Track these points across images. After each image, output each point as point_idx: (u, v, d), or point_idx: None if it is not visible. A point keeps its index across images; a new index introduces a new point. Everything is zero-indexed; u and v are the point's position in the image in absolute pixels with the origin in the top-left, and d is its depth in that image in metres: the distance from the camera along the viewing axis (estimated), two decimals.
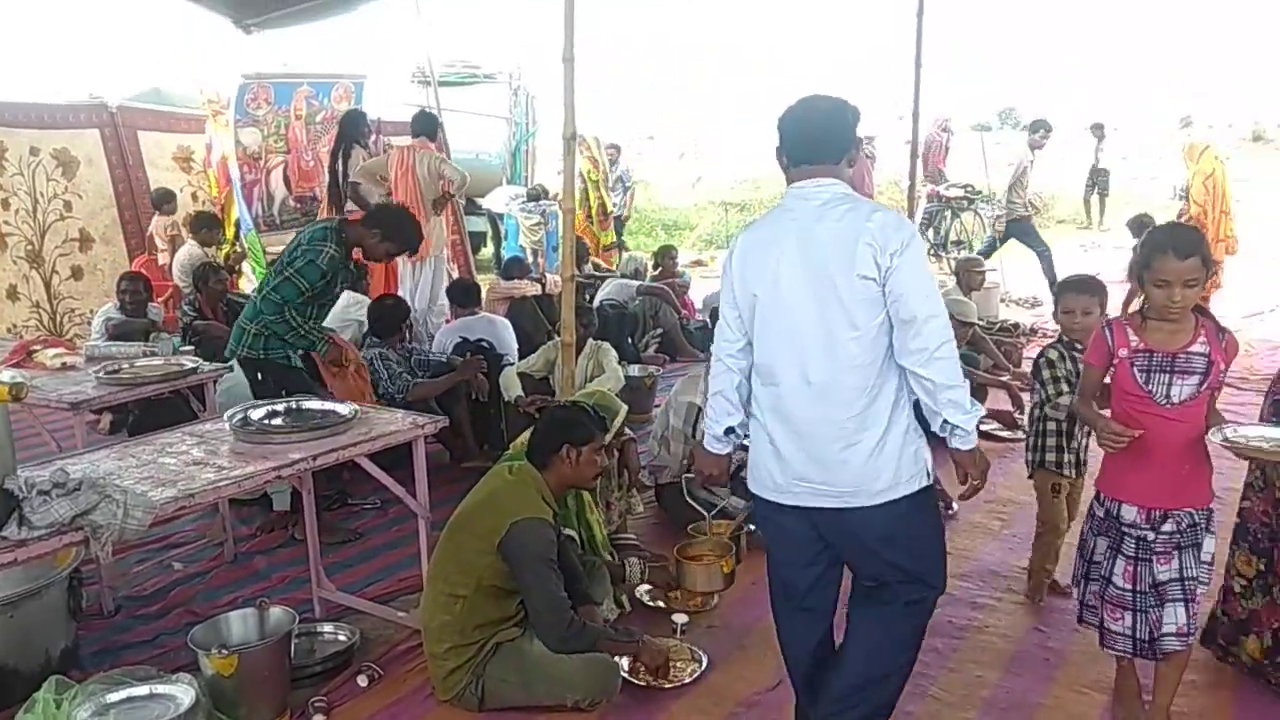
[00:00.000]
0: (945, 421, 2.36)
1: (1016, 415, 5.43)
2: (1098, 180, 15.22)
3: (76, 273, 7.84)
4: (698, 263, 12.50)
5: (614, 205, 11.76)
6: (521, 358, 5.92)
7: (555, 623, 2.92)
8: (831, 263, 2.32)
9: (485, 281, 8.83)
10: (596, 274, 9.30)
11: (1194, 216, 8.21)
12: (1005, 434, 5.55)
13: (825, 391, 2.35)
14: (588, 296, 8.03)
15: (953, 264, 11.15)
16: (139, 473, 2.85)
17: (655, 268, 8.88)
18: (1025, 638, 3.39)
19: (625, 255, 10.41)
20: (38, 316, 7.57)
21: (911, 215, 7.26)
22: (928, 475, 2.46)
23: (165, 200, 8.01)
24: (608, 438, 3.43)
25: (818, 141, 2.42)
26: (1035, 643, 3.35)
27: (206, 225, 7.45)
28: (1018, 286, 9.96)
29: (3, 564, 2.34)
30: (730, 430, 2.62)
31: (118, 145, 8.25)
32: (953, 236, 11.58)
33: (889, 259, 2.26)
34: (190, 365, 4.26)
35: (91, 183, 8.02)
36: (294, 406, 3.37)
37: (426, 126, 7.46)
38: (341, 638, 3.39)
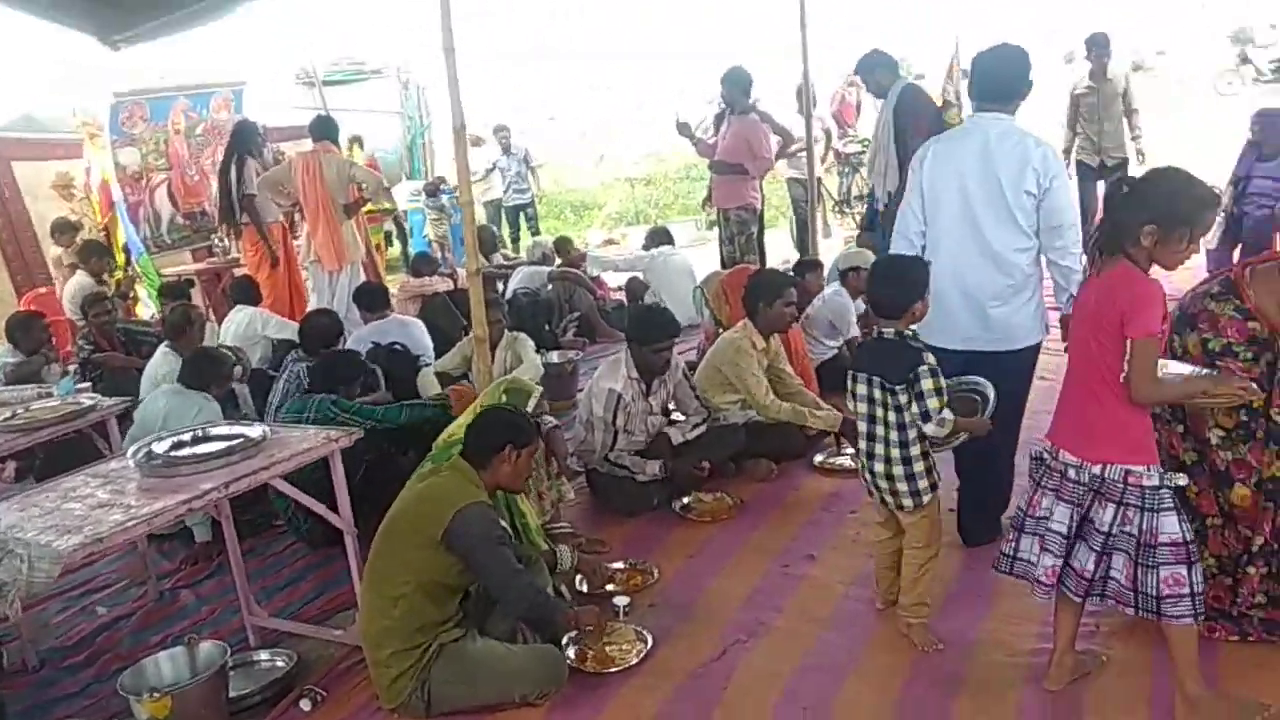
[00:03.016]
0: (1071, 296, 3.15)
1: None
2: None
3: None
4: (609, 241, 12.45)
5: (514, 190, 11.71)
6: (439, 356, 5.85)
7: (522, 590, 2.92)
8: (1004, 178, 3.25)
9: (395, 281, 8.67)
10: (506, 264, 9.20)
11: None
12: None
13: (994, 264, 3.29)
14: (500, 287, 7.95)
15: (856, 220, 11.36)
16: (42, 522, 2.73)
17: (559, 257, 8.82)
18: (958, 578, 3.46)
19: (531, 241, 10.34)
20: None
21: (812, 174, 7.28)
22: (1046, 330, 3.45)
23: (60, 230, 7.70)
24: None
25: (999, 84, 3.35)
26: (966, 584, 3.40)
27: (95, 254, 7.16)
28: None
29: None
30: None
31: None
32: (855, 192, 11.72)
33: (1049, 182, 3.23)
34: (89, 403, 4.09)
35: None
36: (201, 434, 3.26)
37: (328, 130, 7.25)
38: (279, 664, 3.31)
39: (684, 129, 7.26)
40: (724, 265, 6.83)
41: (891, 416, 2.92)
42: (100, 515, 2.74)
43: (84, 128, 8.03)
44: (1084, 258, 3.12)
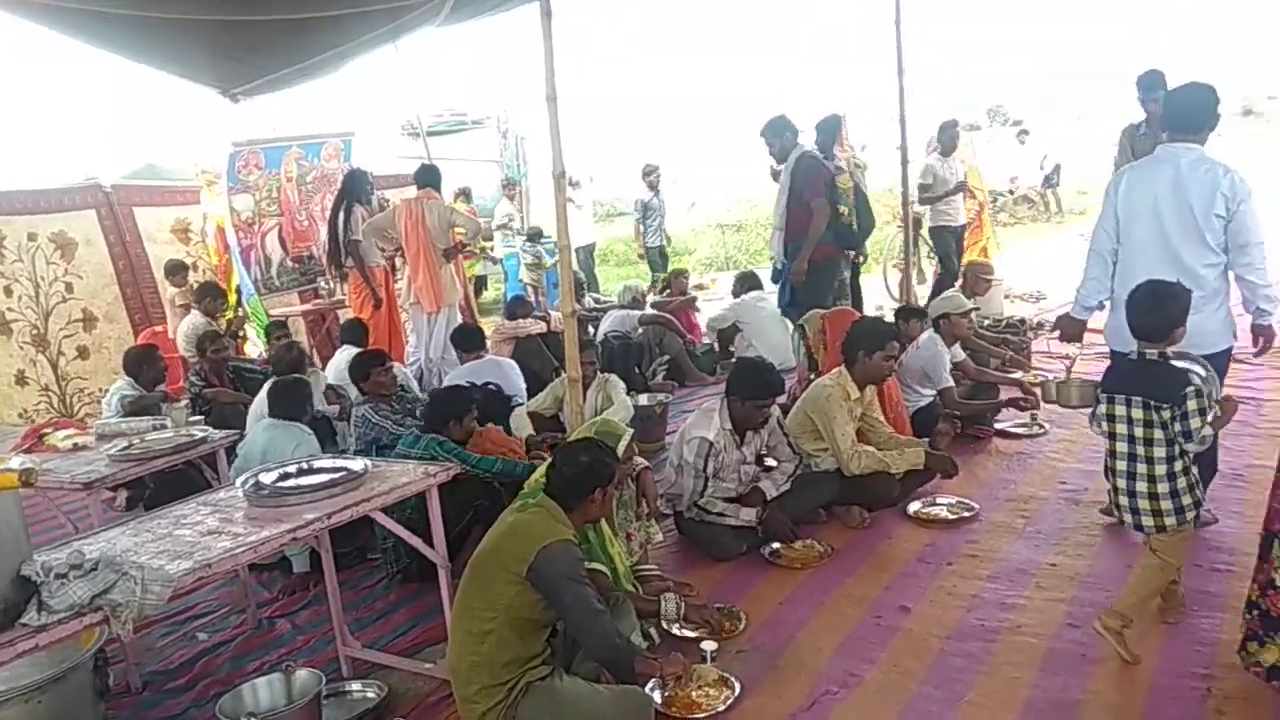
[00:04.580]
0: (1259, 308, 3.69)
1: (1030, 407, 5.43)
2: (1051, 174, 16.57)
3: (83, 352, 7.90)
4: (700, 286, 12.50)
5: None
6: (531, 397, 5.94)
7: (601, 633, 2.91)
8: (1195, 202, 3.64)
9: (490, 324, 8.85)
10: (598, 307, 9.32)
11: None
12: (1024, 430, 5.52)
13: (1186, 277, 3.44)
14: (591, 330, 8.05)
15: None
16: (155, 547, 2.85)
17: (664, 289, 8.91)
18: (1059, 634, 3.34)
19: (622, 285, 10.45)
20: (48, 399, 7.63)
21: (906, 223, 7.23)
22: (1235, 336, 3.79)
23: (173, 272, 8.09)
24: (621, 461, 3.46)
25: (1190, 118, 3.73)
26: (1070, 639, 3.30)
27: (210, 294, 7.52)
28: (1019, 281, 9.93)
29: (24, 651, 2.32)
30: (1100, 304, 4.01)
31: (115, 224, 8.35)
32: None
33: (1236, 205, 3.60)
34: (200, 435, 4.27)
35: (91, 263, 8.11)
36: (306, 466, 3.37)
37: (431, 178, 7.58)
38: (370, 694, 3.36)
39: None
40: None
41: (1158, 435, 3.03)
42: (209, 542, 2.84)
43: (203, 176, 8.48)
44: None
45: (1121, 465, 3.12)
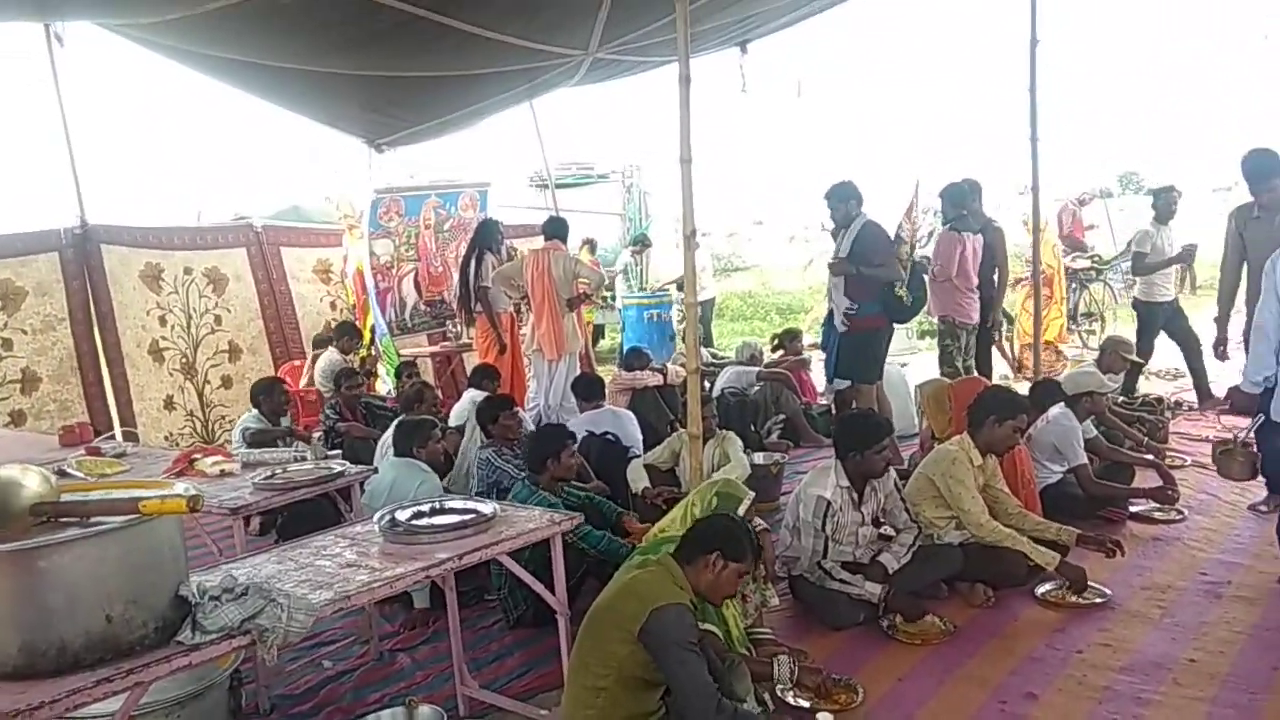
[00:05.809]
0: None
1: (1173, 501, 5.18)
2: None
3: (226, 382, 8.36)
4: (815, 346, 12.41)
5: None
6: (645, 448, 5.99)
7: (704, 708, 2.86)
8: None
9: (605, 372, 8.99)
10: (715, 362, 9.35)
11: None
12: (1160, 515, 5.26)
13: None
14: (706, 385, 8.08)
15: (1084, 338, 10.82)
16: (297, 575, 2.98)
17: (777, 349, 8.88)
18: None
19: (740, 341, 10.47)
20: (192, 424, 8.07)
21: (1037, 290, 7.06)
22: None
23: (346, 335, 8.01)
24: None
25: None
26: None
27: (346, 333, 7.90)
28: (1156, 358, 9.52)
29: (179, 667, 2.46)
30: (1267, 378, 4.21)
31: (263, 262, 8.87)
32: (1082, 309, 11.19)
33: None
34: (338, 469, 4.46)
35: (239, 297, 8.61)
36: (438, 506, 3.48)
37: (558, 230, 7.85)
38: None
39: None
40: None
41: None
42: (348, 574, 2.96)
43: (345, 219, 8.94)
44: None
45: None
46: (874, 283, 6.26)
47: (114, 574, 2.32)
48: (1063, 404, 5.41)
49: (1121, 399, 6.93)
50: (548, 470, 4.44)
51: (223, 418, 8.22)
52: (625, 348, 9.68)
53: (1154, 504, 5.27)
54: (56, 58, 6.92)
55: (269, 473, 4.38)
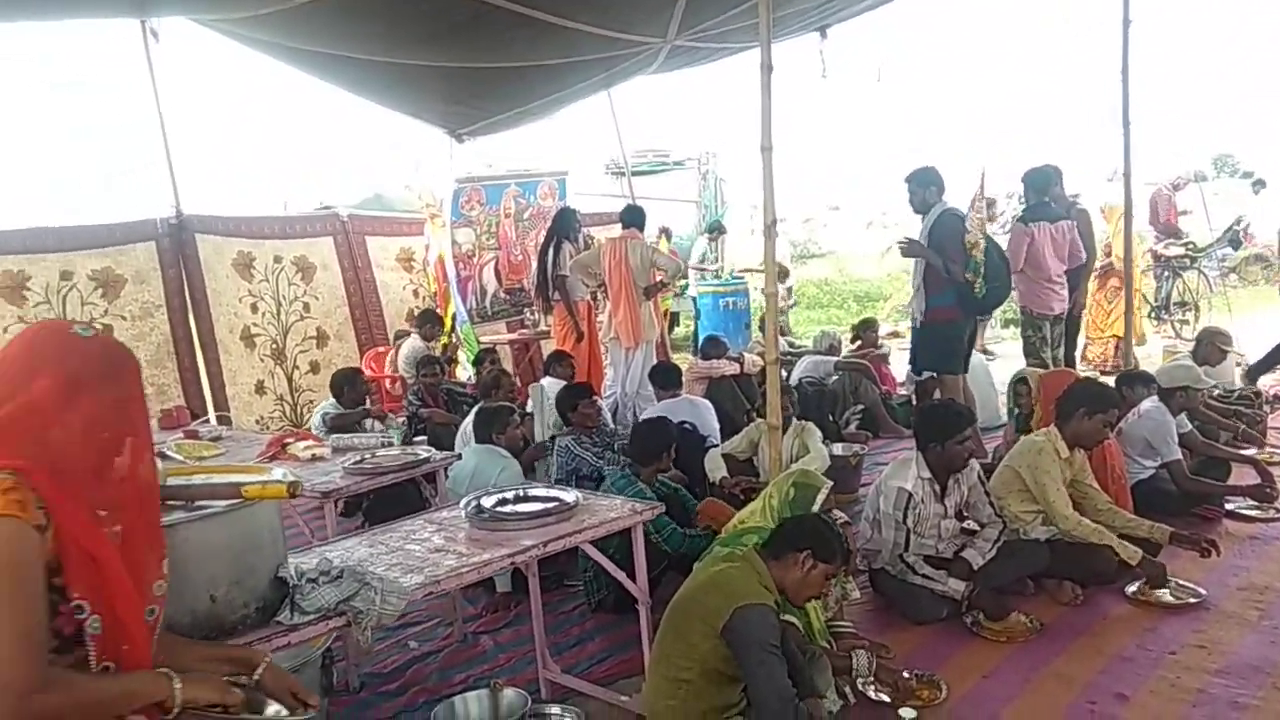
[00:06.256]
0: None
1: (1271, 499, 4.99)
2: None
3: (314, 367, 8.60)
4: (894, 334, 12.23)
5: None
6: (722, 438, 5.98)
7: (780, 711, 2.86)
8: None
9: (681, 360, 9.00)
10: (792, 351, 9.28)
11: None
12: (1258, 513, 5.08)
13: None
14: (784, 375, 8.02)
15: (1177, 328, 10.45)
16: (388, 559, 3.07)
17: (854, 341, 8.76)
18: None
19: (819, 331, 10.37)
20: (281, 409, 8.33)
21: (1127, 283, 6.86)
22: None
23: (428, 322, 8.18)
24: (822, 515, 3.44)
25: None
26: None
27: (428, 321, 8.05)
28: (1254, 350, 9.14)
29: (279, 647, 2.55)
30: None
31: (349, 250, 9.07)
32: (1175, 298, 10.80)
33: None
34: (424, 454, 4.56)
35: (326, 285, 8.83)
36: (522, 494, 3.54)
37: (636, 218, 7.89)
38: None
39: None
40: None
41: None
42: (437, 559, 3.04)
43: (427, 209, 9.11)
44: None
45: None
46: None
47: (218, 556, 2.41)
48: (1155, 397, 5.25)
49: (1219, 392, 6.68)
50: (654, 465, 4.52)
51: (310, 402, 8.45)
52: (701, 336, 9.66)
53: (1251, 501, 5.09)
54: (153, 53, 7.18)
55: (358, 457, 4.49)
